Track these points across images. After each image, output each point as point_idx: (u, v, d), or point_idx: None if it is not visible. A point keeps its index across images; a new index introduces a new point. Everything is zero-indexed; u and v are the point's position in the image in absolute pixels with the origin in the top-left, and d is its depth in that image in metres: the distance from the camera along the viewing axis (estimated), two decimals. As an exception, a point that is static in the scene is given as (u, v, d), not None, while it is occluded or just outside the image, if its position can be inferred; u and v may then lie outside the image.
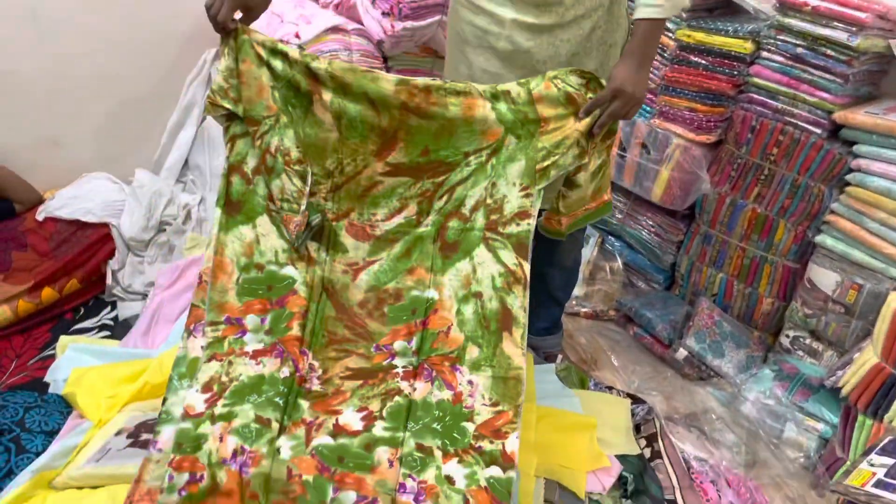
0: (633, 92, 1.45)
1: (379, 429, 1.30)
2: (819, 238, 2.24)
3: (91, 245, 2.08)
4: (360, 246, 1.52)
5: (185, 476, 1.22)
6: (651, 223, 2.76)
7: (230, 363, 1.36)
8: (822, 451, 2.01)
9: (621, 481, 1.72)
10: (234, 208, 1.48)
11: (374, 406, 1.33)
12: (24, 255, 1.98)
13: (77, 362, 1.73)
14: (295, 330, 1.41)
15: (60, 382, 1.67)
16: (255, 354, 1.39)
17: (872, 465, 1.52)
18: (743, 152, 2.38)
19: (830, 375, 2.05)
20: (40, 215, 2.16)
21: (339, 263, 1.51)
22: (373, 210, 1.53)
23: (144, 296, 2.11)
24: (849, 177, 2.16)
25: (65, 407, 1.58)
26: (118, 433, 1.49)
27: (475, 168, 1.49)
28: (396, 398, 1.33)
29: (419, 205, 1.52)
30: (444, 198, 1.51)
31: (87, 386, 1.60)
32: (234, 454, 1.23)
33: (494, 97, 1.47)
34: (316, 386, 1.38)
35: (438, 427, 1.30)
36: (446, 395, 1.33)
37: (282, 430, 1.29)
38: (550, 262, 2.08)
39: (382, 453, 1.26)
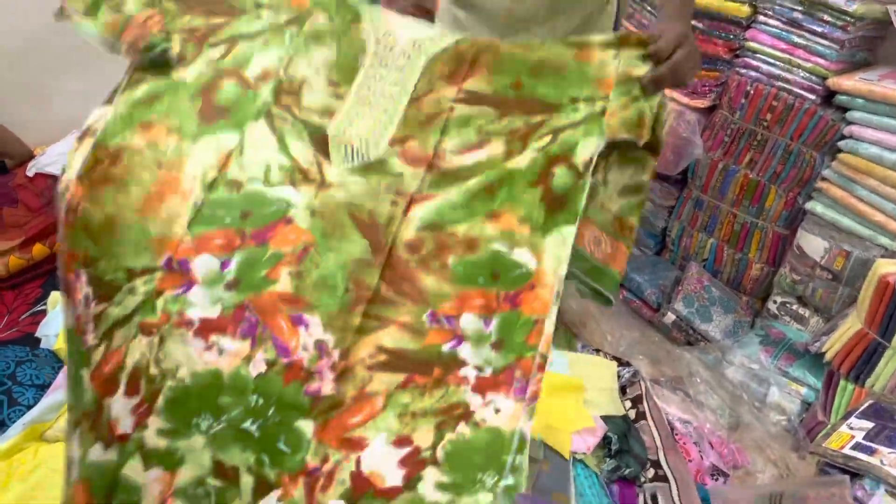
0: (694, 46, 1.11)
1: (430, 487, 0.82)
2: (809, 204, 2.25)
3: (82, 201, 2.08)
4: (419, 174, 1.00)
5: None
6: (643, 188, 2.76)
7: (161, 340, 0.85)
8: (804, 415, 2.04)
9: (606, 441, 1.75)
10: (215, 112, 0.97)
11: (423, 437, 0.85)
12: (14, 211, 1.98)
13: (68, 318, 1.74)
14: (283, 283, 0.89)
15: (52, 338, 1.68)
16: (206, 328, 0.86)
17: (851, 428, 1.55)
18: (736, 118, 2.37)
19: (815, 341, 2.08)
20: (31, 171, 2.15)
21: (386, 188, 0.99)
22: (441, 138, 1.03)
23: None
24: (841, 143, 2.16)
25: (56, 362, 1.59)
26: (109, 388, 1.50)
27: (587, 116, 1.04)
28: (462, 428, 0.86)
29: (508, 143, 1.03)
30: (548, 138, 1.03)
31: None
32: None
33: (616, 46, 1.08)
34: (328, 385, 0.86)
35: None
36: None
37: (262, 488, 0.82)
38: None
39: None
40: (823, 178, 2.23)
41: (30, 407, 1.44)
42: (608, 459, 1.71)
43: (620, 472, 1.68)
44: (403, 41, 1.08)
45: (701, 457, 1.82)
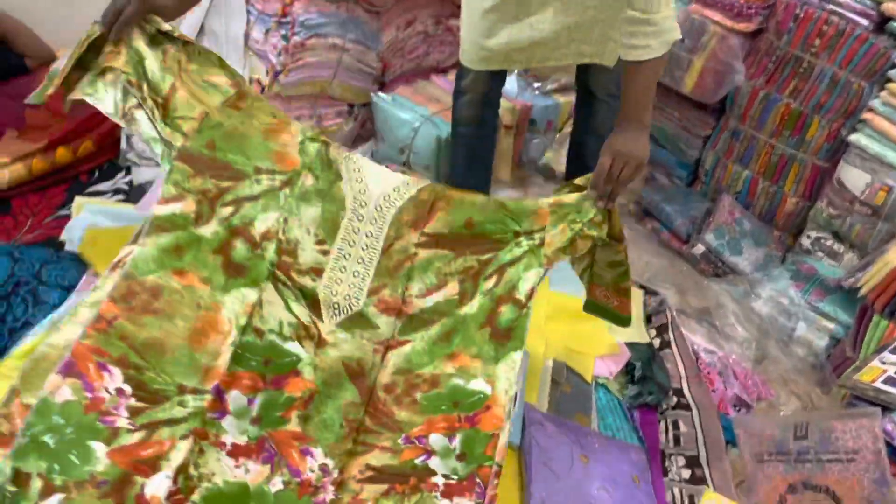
0: (632, 152, 1.37)
1: None
2: (853, 137, 2.17)
3: (105, 106, 2.04)
4: (392, 322, 1.28)
5: None
6: (678, 116, 2.68)
7: (201, 451, 1.04)
8: (831, 351, 2.01)
9: (629, 368, 1.73)
10: (235, 270, 1.22)
11: None
12: (37, 114, 1.94)
13: (92, 223, 1.72)
14: (293, 423, 1.13)
15: (76, 241, 1.67)
16: (236, 452, 1.07)
17: (884, 363, 1.52)
18: (783, 43, 2.26)
19: (850, 276, 2.03)
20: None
21: (368, 341, 1.26)
22: (406, 284, 1.30)
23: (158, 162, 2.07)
24: (892, 73, 2.06)
25: (81, 264, 1.58)
26: (133, 292, 1.49)
27: (527, 250, 1.31)
28: None
29: (462, 283, 1.30)
30: (494, 279, 1.30)
31: (103, 246, 1.59)
32: None
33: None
34: (330, 496, 1.06)
35: None
36: None
37: None
38: (587, 130, 2.09)
39: None
40: (870, 109, 2.14)
41: (55, 307, 1.43)
42: (631, 385, 1.70)
43: (642, 399, 1.67)
44: (376, 196, 1.35)
45: (724, 387, 1.81)
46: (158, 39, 1.29)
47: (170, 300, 1.13)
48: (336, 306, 1.27)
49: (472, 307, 1.28)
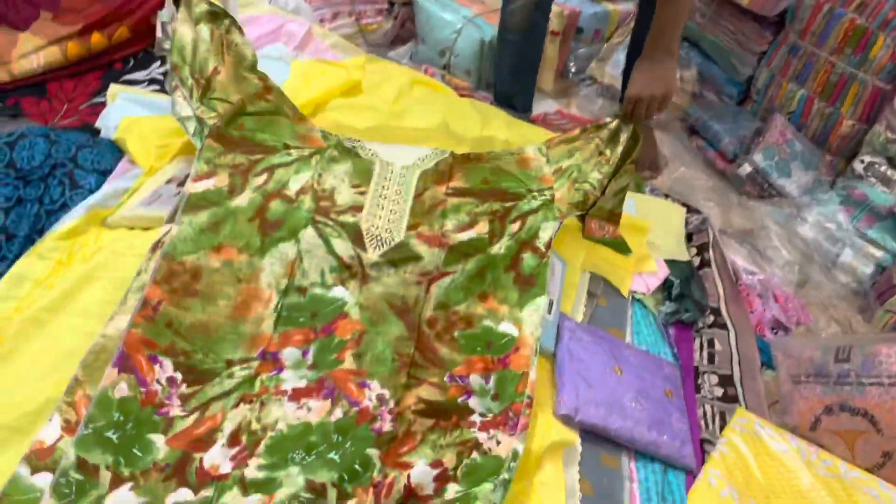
0: (659, 87, 1.48)
1: (451, 494, 1.09)
2: (921, 57, 2.04)
3: (141, -8, 1.98)
4: (435, 253, 1.32)
5: None
6: (733, 29, 2.55)
7: (262, 405, 1.12)
8: (877, 278, 1.95)
9: (667, 285, 1.70)
10: (271, 227, 1.28)
11: (449, 460, 1.11)
12: (72, -4, 1.90)
13: (127, 111, 1.69)
14: (348, 362, 1.19)
15: (111, 129, 1.65)
16: (297, 395, 1.14)
17: (935, 290, 1.47)
18: (853, -48, 2.12)
19: (903, 203, 1.95)
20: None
21: (411, 274, 1.30)
22: (442, 221, 1.37)
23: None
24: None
25: (116, 151, 1.56)
26: (168, 181, 1.48)
27: (542, 203, 1.44)
28: (475, 455, 1.13)
29: (491, 224, 1.38)
30: (518, 223, 1.40)
31: (139, 134, 1.57)
32: None
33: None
34: (387, 424, 1.12)
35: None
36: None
37: (343, 497, 1.03)
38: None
39: None
40: (942, 28, 2.01)
41: (91, 191, 1.42)
42: (668, 302, 1.67)
43: (679, 316, 1.64)
44: (398, 166, 1.45)
45: (763, 309, 1.77)
46: (208, 17, 1.43)
47: (210, 281, 1.19)
48: (379, 238, 1.31)
49: (500, 248, 1.36)
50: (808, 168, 2.27)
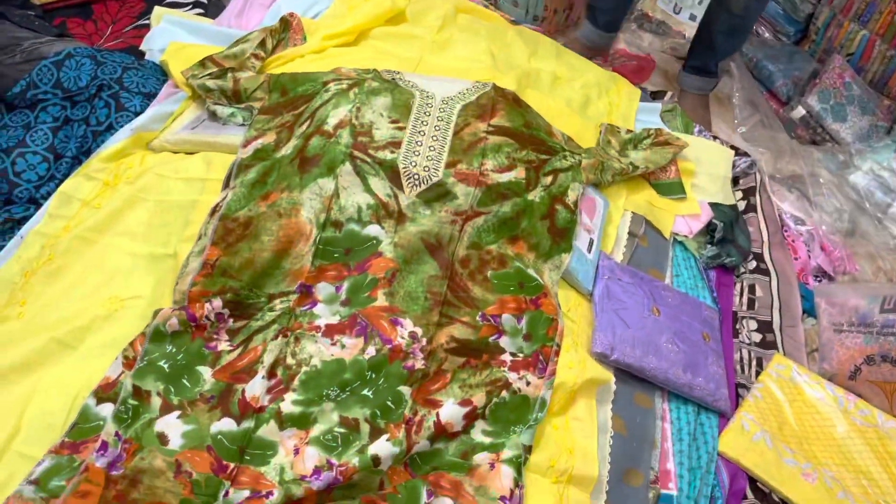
0: None
1: (479, 432, 1.11)
2: None
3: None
4: (471, 192, 1.31)
5: (245, 492, 0.98)
6: (795, -36, 2.43)
7: (296, 339, 1.14)
8: (929, 230, 1.89)
9: (709, 228, 1.67)
10: (310, 162, 1.29)
11: (479, 399, 1.13)
12: (116, -86, 1.87)
13: (171, 35, 1.69)
14: (381, 300, 1.19)
15: (156, 52, 1.65)
16: (330, 331, 1.16)
17: None
18: None
19: (964, 152, 1.87)
20: None
21: (446, 213, 1.29)
22: (482, 160, 1.34)
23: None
24: None
25: (161, 74, 1.57)
26: (213, 104, 1.48)
27: (572, 164, 1.46)
28: (504, 394, 1.14)
29: (528, 171, 1.38)
30: (551, 177, 1.41)
31: (184, 59, 1.56)
32: (317, 470, 1.01)
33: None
34: (419, 362, 1.14)
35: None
36: None
37: (375, 433, 1.06)
38: (720, 2, 1.99)
39: (483, 458, 1.07)
40: None
41: (136, 113, 1.43)
42: (710, 246, 1.64)
43: (720, 260, 1.61)
44: (439, 96, 1.44)
45: (808, 257, 1.73)
46: (211, 77, 1.48)
47: (257, 223, 1.23)
48: (416, 177, 1.30)
49: (536, 195, 1.37)
50: (865, 113, 2.18)
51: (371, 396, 1.09)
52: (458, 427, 1.10)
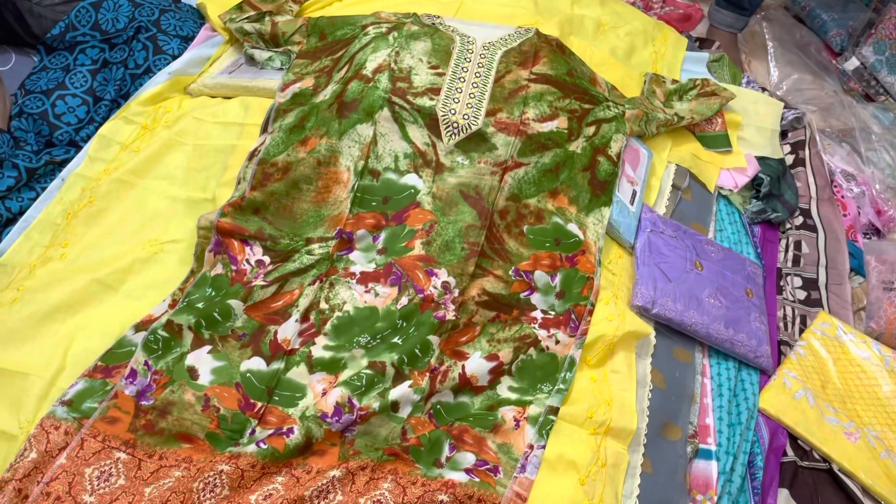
0: None
1: (505, 388, 1.11)
2: None
3: None
4: (511, 142, 1.28)
5: (269, 431, 0.99)
6: None
7: (331, 285, 1.14)
8: None
9: (756, 182, 1.62)
10: (348, 108, 1.28)
11: (506, 354, 1.12)
12: None
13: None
14: (417, 250, 1.19)
15: (193, -5, 1.63)
16: (365, 278, 1.16)
17: None
18: None
19: None
20: None
21: (485, 164, 1.28)
22: (523, 108, 1.31)
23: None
24: None
25: (198, 17, 1.55)
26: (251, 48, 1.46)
27: (616, 115, 1.42)
28: (531, 351, 1.14)
29: (570, 121, 1.34)
30: (594, 128, 1.38)
31: (221, 2, 1.55)
32: (338, 409, 1.00)
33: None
34: (450, 314, 1.14)
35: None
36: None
37: (399, 378, 1.07)
38: None
39: (508, 412, 1.08)
40: None
41: (174, 57, 1.42)
42: (755, 201, 1.59)
43: (766, 215, 1.57)
44: (480, 40, 1.41)
45: (858, 213, 1.68)
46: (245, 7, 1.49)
47: (296, 169, 1.23)
48: (455, 125, 1.28)
49: (577, 146, 1.34)
50: (923, 65, 2.09)
51: (400, 343, 1.10)
52: (483, 381, 1.10)
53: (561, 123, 1.33)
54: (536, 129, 1.31)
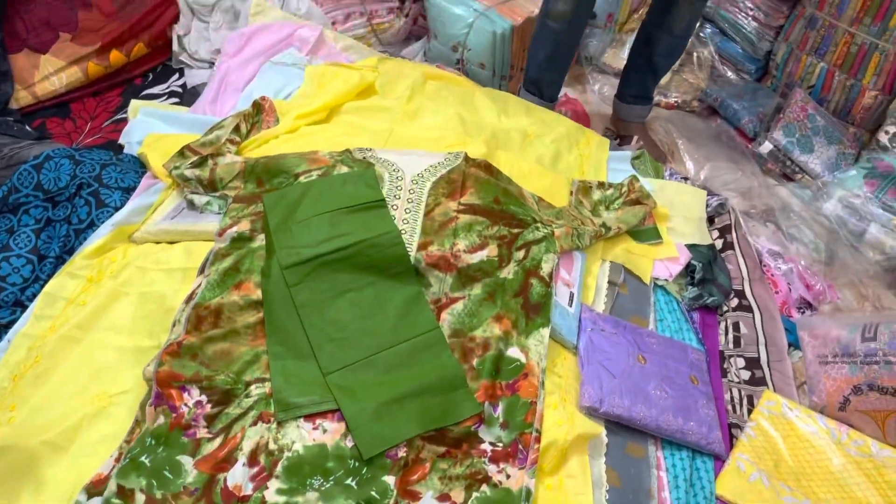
0: None
1: None
2: (943, 23, 2.00)
3: (156, 7, 2.02)
4: (442, 278, 1.34)
5: None
6: (750, 6, 2.52)
7: (279, 425, 1.12)
8: (905, 252, 1.92)
9: (689, 269, 1.69)
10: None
11: (457, 494, 1.10)
12: (89, 15, 1.93)
13: (149, 126, 1.73)
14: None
15: (134, 145, 1.69)
16: (312, 415, 1.14)
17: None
18: (869, -81, 2.07)
19: (930, 174, 1.92)
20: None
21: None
22: (454, 240, 1.38)
23: (211, 63, 2.06)
24: None
25: (139, 166, 1.60)
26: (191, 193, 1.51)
27: (546, 234, 1.48)
28: (484, 488, 1.12)
29: (500, 248, 1.40)
30: (523, 252, 1.43)
31: (162, 150, 1.61)
32: None
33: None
34: (402, 450, 1.12)
35: None
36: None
37: None
38: (660, 26, 2.01)
39: None
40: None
41: (117, 209, 1.46)
42: (690, 287, 1.66)
43: (703, 301, 1.63)
44: (409, 174, 1.48)
45: (789, 289, 1.75)
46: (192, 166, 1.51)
47: (230, 315, 1.25)
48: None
49: (508, 273, 1.38)
50: (831, 142, 2.24)
51: (356, 487, 1.07)
52: None
53: (491, 252, 1.38)
54: (467, 260, 1.35)
